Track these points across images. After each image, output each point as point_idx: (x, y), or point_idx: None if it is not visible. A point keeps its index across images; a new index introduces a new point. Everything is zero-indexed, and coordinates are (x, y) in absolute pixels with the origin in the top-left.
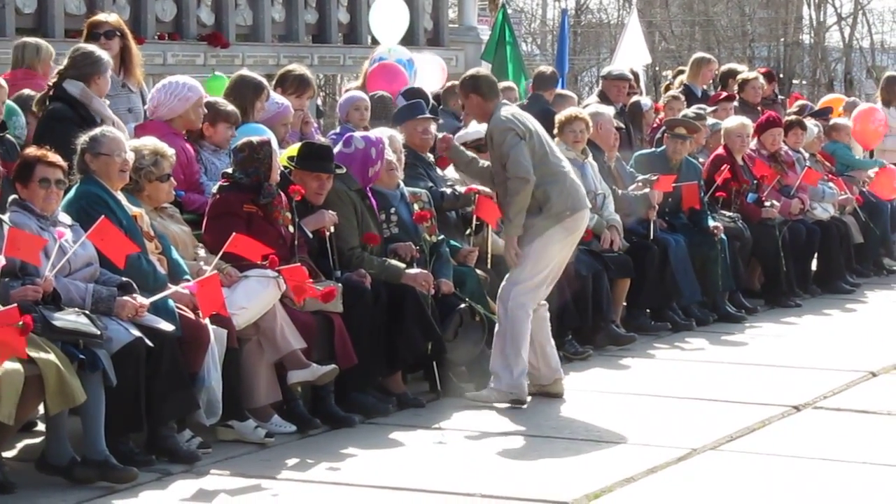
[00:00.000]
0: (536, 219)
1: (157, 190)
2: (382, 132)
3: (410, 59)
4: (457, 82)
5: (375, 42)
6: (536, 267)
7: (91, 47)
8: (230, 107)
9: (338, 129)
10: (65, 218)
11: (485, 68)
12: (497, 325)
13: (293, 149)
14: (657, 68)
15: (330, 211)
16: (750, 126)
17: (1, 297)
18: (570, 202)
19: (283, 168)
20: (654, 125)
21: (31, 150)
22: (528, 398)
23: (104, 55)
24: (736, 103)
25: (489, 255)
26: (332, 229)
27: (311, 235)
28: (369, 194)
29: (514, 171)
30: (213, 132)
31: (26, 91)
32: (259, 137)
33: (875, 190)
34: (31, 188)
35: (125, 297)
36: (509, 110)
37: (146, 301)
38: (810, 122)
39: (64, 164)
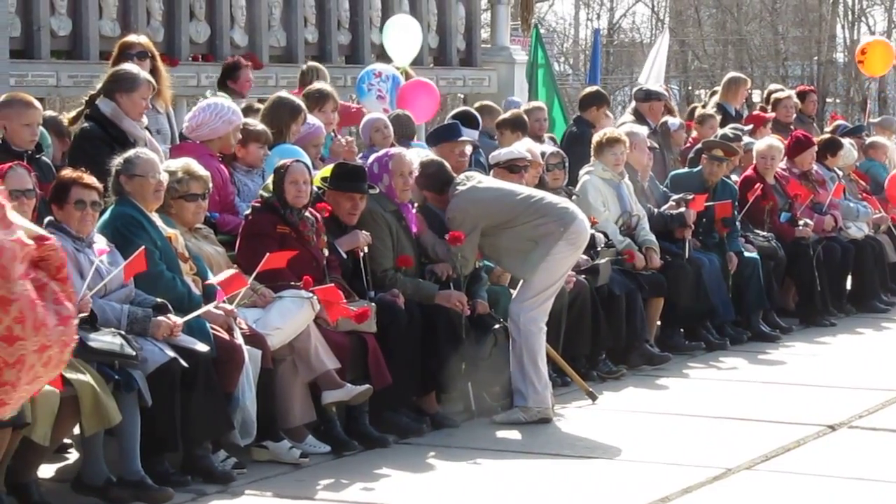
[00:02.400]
0: (537, 251)
1: (183, 209)
2: (419, 153)
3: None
4: (487, 103)
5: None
6: (544, 283)
7: (128, 66)
8: (260, 126)
9: (363, 153)
10: (100, 239)
11: (521, 91)
12: (511, 344)
13: (327, 169)
14: (690, 87)
15: (364, 231)
16: (777, 147)
17: None
18: (557, 217)
19: (316, 189)
20: (688, 144)
21: (67, 172)
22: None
23: (140, 74)
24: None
25: None
26: (366, 249)
27: (345, 256)
28: (405, 214)
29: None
30: (246, 153)
31: (49, 112)
32: (282, 161)
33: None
34: (67, 210)
35: (160, 318)
36: (463, 194)
37: (180, 320)
38: (847, 142)
39: (99, 185)
